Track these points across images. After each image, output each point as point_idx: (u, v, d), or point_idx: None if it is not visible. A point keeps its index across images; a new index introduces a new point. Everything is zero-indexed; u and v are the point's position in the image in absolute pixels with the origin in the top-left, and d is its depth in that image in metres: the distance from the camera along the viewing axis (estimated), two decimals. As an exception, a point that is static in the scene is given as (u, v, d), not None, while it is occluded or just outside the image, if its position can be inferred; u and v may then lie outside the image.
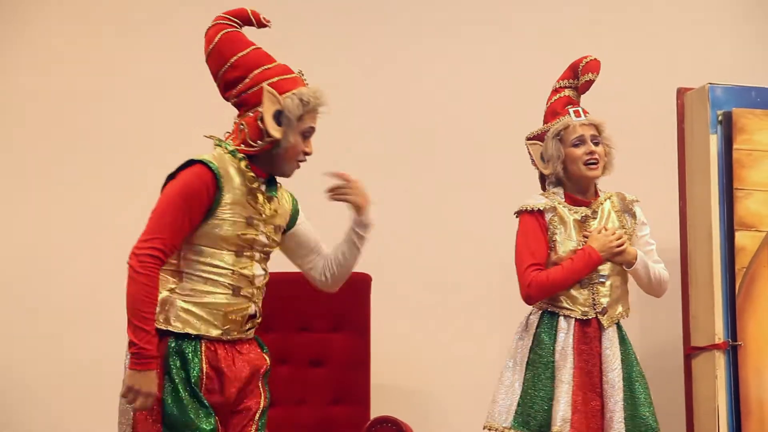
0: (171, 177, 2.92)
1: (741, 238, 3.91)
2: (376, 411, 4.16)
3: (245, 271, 2.94)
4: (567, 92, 3.62)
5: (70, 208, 4.56)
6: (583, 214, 3.48)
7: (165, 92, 4.63)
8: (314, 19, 4.72)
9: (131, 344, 2.79)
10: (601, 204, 3.52)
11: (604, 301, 3.44)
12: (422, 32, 4.77)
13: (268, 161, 2.97)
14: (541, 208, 3.49)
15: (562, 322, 3.43)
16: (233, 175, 2.91)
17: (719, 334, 3.90)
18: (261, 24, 3.02)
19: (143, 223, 2.87)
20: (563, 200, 3.52)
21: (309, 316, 4.20)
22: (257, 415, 2.99)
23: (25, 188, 4.58)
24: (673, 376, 4.32)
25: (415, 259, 4.57)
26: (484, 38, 4.77)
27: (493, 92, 4.69)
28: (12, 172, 4.59)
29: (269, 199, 3.00)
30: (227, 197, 2.90)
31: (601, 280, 3.43)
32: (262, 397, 3.00)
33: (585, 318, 3.42)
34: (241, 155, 2.93)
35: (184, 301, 2.91)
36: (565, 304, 3.44)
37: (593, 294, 3.44)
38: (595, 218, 3.49)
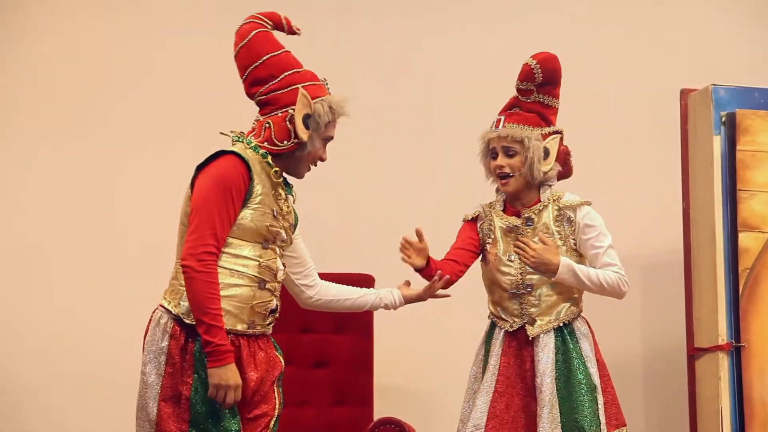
0: (200, 168, 2.94)
1: (744, 239, 3.91)
2: (379, 412, 4.16)
3: (271, 264, 2.97)
4: (516, 93, 3.48)
5: (73, 209, 4.57)
6: (512, 224, 3.42)
7: (178, 88, 4.64)
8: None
9: (207, 343, 2.82)
10: (539, 211, 3.42)
11: (533, 311, 3.39)
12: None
13: (285, 161, 3.01)
14: (474, 217, 3.51)
15: (497, 332, 3.44)
16: (261, 169, 2.96)
17: (723, 336, 3.90)
18: (291, 31, 3.08)
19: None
20: (501, 207, 3.49)
21: (312, 318, 4.19)
22: (272, 422, 3.00)
23: (32, 186, 4.59)
24: (676, 378, 4.32)
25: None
26: (485, 37, 4.76)
27: (497, 93, 4.67)
28: (14, 173, 4.60)
29: (287, 198, 3.05)
30: (258, 188, 2.94)
31: (528, 290, 3.38)
32: (277, 402, 3.01)
33: (513, 329, 3.40)
34: (263, 152, 2.97)
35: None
36: (500, 315, 3.44)
37: (522, 304, 3.40)
38: (530, 226, 3.40)
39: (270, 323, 3.03)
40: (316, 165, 3.07)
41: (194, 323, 2.85)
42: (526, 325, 3.39)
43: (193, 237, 2.85)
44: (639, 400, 4.61)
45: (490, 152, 3.44)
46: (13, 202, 4.57)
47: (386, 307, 3.30)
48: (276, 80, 2.99)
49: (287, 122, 2.95)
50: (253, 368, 2.95)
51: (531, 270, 3.37)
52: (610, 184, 4.67)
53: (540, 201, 3.43)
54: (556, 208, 3.42)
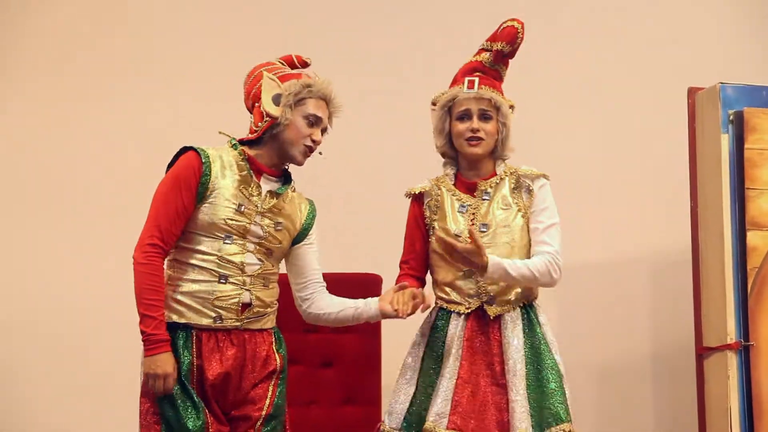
0: (169, 167, 3.04)
1: (753, 237, 3.89)
2: (387, 412, 4.16)
3: (234, 258, 2.98)
4: (482, 56, 3.32)
5: (77, 209, 4.57)
6: (466, 204, 3.25)
7: (179, 92, 4.65)
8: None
9: (141, 333, 2.88)
10: (496, 183, 3.27)
11: (492, 289, 3.20)
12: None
13: (276, 149, 3.06)
14: (421, 192, 3.34)
15: (453, 316, 3.24)
16: (229, 164, 3.00)
17: (731, 335, 3.88)
18: (303, 64, 3.17)
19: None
20: (453, 182, 3.31)
21: (319, 317, 4.21)
22: (258, 423, 3.00)
23: (36, 182, 4.61)
24: (685, 377, 4.31)
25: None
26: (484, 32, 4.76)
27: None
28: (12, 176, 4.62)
29: (275, 195, 3.04)
30: (216, 182, 2.98)
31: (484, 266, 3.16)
32: (267, 403, 3.01)
33: (469, 310, 3.21)
34: (239, 146, 3.05)
35: (173, 290, 2.98)
36: (453, 297, 3.25)
37: (478, 282, 3.20)
38: (485, 200, 3.24)
39: (250, 318, 3.02)
40: (312, 147, 3.08)
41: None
42: (485, 305, 3.21)
43: (142, 231, 2.94)
44: (648, 399, 4.61)
45: (459, 113, 3.25)
46: (15, 198, 4.58)
47: (368, 320, 3.28)
48: (250, 79, 3.09)
49: (261, 108, 3.02)
50: (218, 363, 2.96)
51: (487, 244, 3.15)
52: (617, 183, 4.67)
53: (496, 174, 3.30)
54: (514, 179, 3.27)
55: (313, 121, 3.07)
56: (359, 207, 4.63)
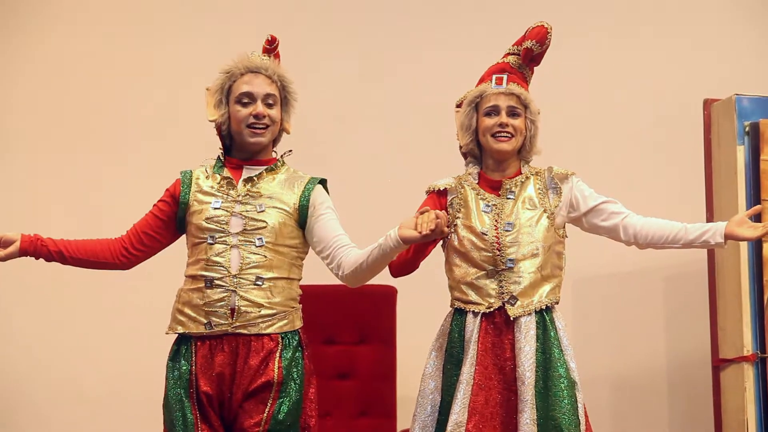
0: None
1: (769, 249, 3.89)
2: (402, 423, 4.16)
3: (219, 258, 2.97)
4: (510, 59, 3.28)
5: (86, 215, 4.56)
6: (491, 203, 3.19)
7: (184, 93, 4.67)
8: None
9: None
10: (521, 183, 3.21)
11: (514, 288, 3.12)
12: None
13: (237, 144, 3.09)
14: (444, 188, 3.25)
15: (469, 317, 3.16)
16: (210, 173, 3.08)
17: (748, 346, 3.88)
18: (270, 49, 3.17)
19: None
20: (476, 181, 3.25)
21: (335, 329, 4.21)
22: None
23: (44, 193, 4.61)
24: (701, 388, 4.30)
25: (440, 272, 4.55)
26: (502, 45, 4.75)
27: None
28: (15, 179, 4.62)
29: (248, 181, 3.05)
30: (197, 194, 3.05)
31: (509, 265, 3.13)
32: (264, 418, 2.93)
33: (490, 310, 3.13)
34: (222, 156, 3.12)
35: (178, 303, 3.03)
36: (471, 297, 3.16)
37: (501, 281, 3.14)
38: (510, 198, 3.18)
39: (242, 322, 2.95)
40: (255, 125, 3.05)
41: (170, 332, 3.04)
42: (506, 305, 3.12)
43: None
44: (663, 410, 4.59)
45: (487, 109, 3.20)
46: (25, 208, 4.57)
47: (391, 251, 2.95)
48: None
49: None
50: (208, 371, 2.96)
51: (511, 243, 3.13)
52: (633, 194, 4.63)
53: (521, 173, 3.24)
54: (540, 179, 3.22)
55: (246, 100, 3.05)
56: (375, 217, 4.63)
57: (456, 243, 3.20)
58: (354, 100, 4.66)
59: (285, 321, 3.01)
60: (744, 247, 3.90)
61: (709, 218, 4.08)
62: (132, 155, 4.61)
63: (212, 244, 2.98)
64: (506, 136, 3.19)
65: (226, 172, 3.07)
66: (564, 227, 3.26)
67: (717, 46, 4.74)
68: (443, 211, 3.05)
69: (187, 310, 2.98)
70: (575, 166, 4.63)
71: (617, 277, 4.63)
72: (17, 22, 4.64)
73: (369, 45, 4.71)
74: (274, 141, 3.15)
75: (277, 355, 2.97)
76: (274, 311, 2.98)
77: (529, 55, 3.25)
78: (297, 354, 3.02)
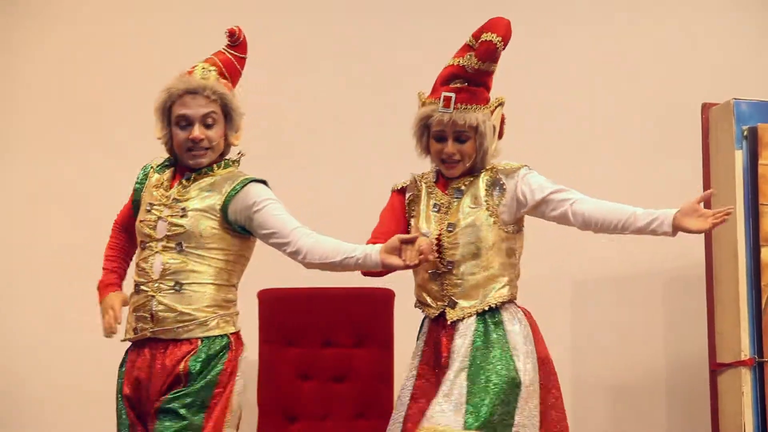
0: None
1: (767, 253, 3.88)
2: (399, 426, 4.16)
3: (144, 263, 2.98)
4: (462, 61, 3.12)
5: (76, 214, 4.56)
6: (439, 203, 3.13)
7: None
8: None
9: None
10: (471, 181, 3.13)
11: (454, 291, 3.05)
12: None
13: (179, 158, 3.07)
14: (402, 187, 3.23)
15: (426, 321, 3.14)
16: (156, 173, 3.09)
17: (745, 351, 3.87)
18: (229, 37, 3.17)
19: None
20: (434, 180, 3.19)
21: (332, 331, 4.21)
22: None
23: (36, 191, 4.59)
24: (698, 393, 4.30)
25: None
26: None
27: (514, 107, 4.65)
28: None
29: (181, 184, 3.04)
30: (145, 192, 3.07)
31: (449, 267, 3.07)
32: (161, 399, 2.90)
33: (438, 313, 3.08)
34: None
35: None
36: (426, 300, 3.12)
37: (443, 284, 3.08)
38: (458, 198, 3.10)
39: (162, 327, 2.92)
40: (193, 149, 3.00)
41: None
42: (447, 309, 3.05)
43: None
44: (661, 414, 4.59)
45: (435, 133, 3.11)
46: (25, 208, 4.57)
47: (369, 269, 2.94)
48: None
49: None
50: (130, 376, 2.98)
51: (451, 244, 3.06)
52: (631, 198, 4.64)
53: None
54: (489, 176, 3.13)
55: (184, 123, 3.00)
56: (372, 221, 4.63)
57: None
58: (354, 100, 4.66)
59: (206, 327, 2.95)
60: (742, 251, 3.90)
61: (708, 223, 4.07)
62: (133, 155, 4.59)
63: (143, 249, 3.00)
64: (454, 163, 3.12)
65: (168, 174, 3.06)
66: (516, 223, 3.15)
67: (716, 50, 4.74)
68: (428, 238, 2.98)
69: (128, 316, 3.01)
70: (572, 171, 4.65)
71: (616, 281, 4.63)
72: (17, 21, 4.65)
73: (369, 45, 4.71)
74: (222, 153, 3.09)
75: (191, 357, 2.92)
76: (192, 317, 2.93)
77: (487, 50, 3.08)
78: (219, 356, 2.95)
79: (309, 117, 4.60)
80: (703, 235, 4.08)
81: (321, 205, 4.48)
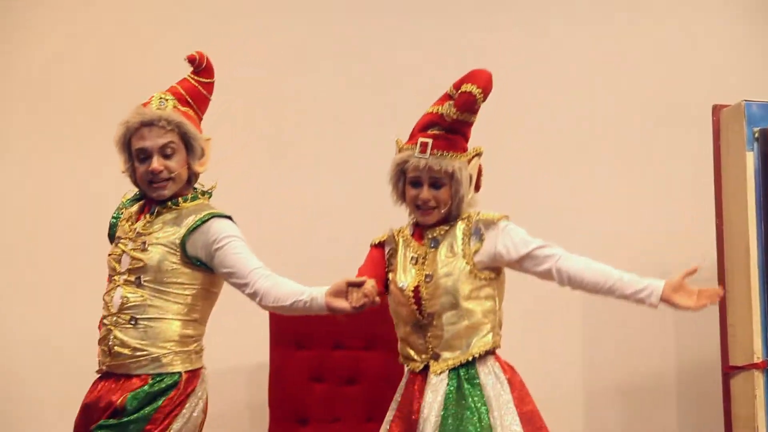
0: None
1: (779, 255, 3.88)
2: (410, 429, 4.15)
3: (106, 297, 2.99)
4: (441, 110, 3.09)
5: (79, 208, 4.57)
6: (416, 254, 3.09)
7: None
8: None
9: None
10: (446, 230, 3.09)
11: (436, 343, 3.02)
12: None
13: (143, 191, 3.06)
14: (380, 242, 3.20)
15: (408, 375, 3.10)
16: (126, 208, 3.09)
17: (758, 354, 3.86)
18: (191, 62, 3.17)
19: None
20: (411, 232, 3.16)
21: (343, 334, 4.21)
22: None
23: (34, 190, 4.61)
24: (711, 396, 4.28)
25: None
26: (503, 49, 4.73)
27: (514, 111, 4.65)
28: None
29: (146, 217, 3.03)
30: (117, 226, 3.07)
31: (429, 319, 3.04)
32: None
33: (422, 367, 3.04)
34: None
35: None
36: (409, 354, 3.09)
37: (426, 336, 3.04)
38: (434, 247, 3.08)
39: (115, 363, 2.91)
40: (155, 181, 2.99)
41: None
42: (431, 362, 3.01)
43: None
44: (673, 418, 4.57)
45: (411, 179, 3.08)
46: (25, 208, 4.58)
47: (316, 312, 2.93)
48: None
49: None
50: (81, 413, 2.98)
51: (430, 295, 3.02)
52: (643, 200, 4.65)
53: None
54: (465, 224, 3.08)
55: (143, 156, 2.98)
56: (375, 217, 4.62)
57: (389, 298, 3.14)
58: (354, 100, 4.66)
59: (158, 363, 2.92)
60: (754, 253, 3.89)
61: (719, 225, 4.06)
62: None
63: (109, 281, 3.01)
64: (429, 210, 3.08)
65: (136, 207, 3.07)
66: (494, 270, 3.09)
67: (716, 50, 4.74)
68: (372, 280, 2.91)
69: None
70: (584, 174, 4.65)
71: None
72: (17, 21, 4.66)
73: (369, 45, 4.71)
74: (189, 181, 3.07)
75: (131, 391, 2.89)
76: (146, 353, 2.91)
77: (466, 102, 3.04)
78: (163, 393, 2.90)
79: (309, 117, 4.60)
80: (714, 237, 4.08)
81: (321, 205, 4.49)
